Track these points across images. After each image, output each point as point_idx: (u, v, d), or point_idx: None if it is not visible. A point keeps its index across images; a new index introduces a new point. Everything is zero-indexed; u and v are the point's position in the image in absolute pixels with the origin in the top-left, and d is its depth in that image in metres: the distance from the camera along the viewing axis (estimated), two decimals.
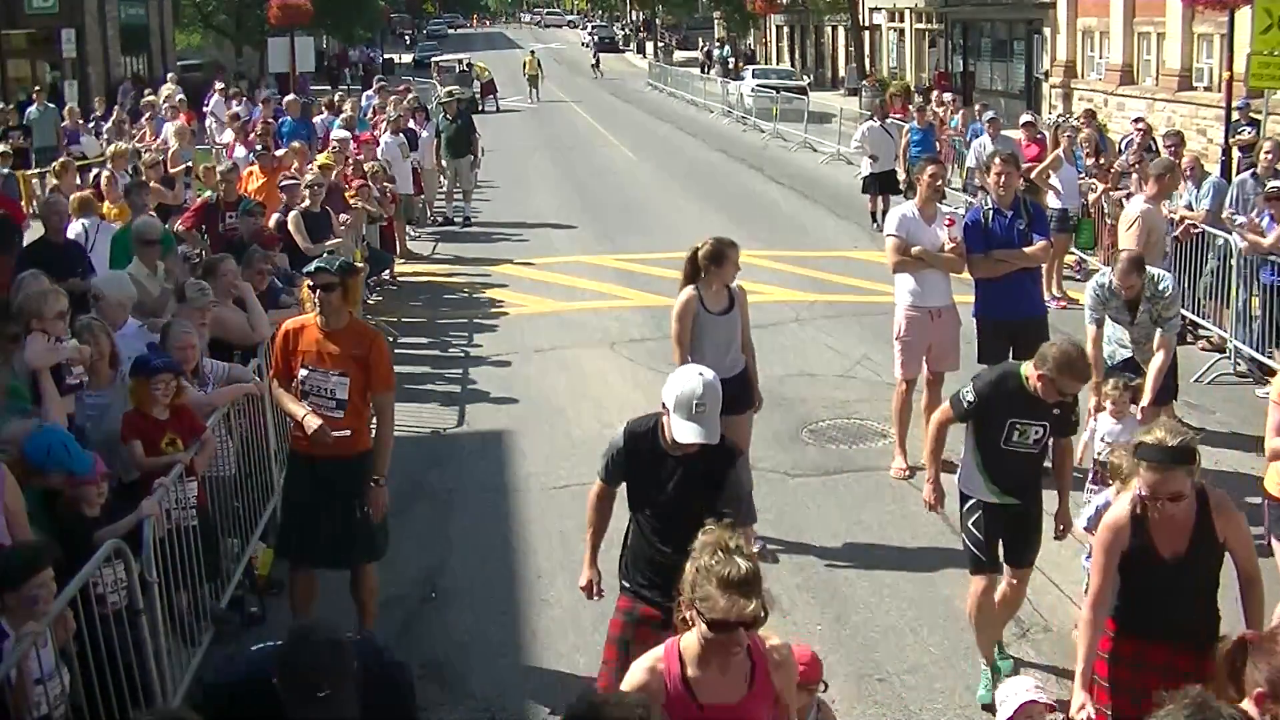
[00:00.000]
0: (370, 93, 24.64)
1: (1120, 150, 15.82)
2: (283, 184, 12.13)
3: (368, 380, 6.08)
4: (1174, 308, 7.95)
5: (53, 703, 4.43)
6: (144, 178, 12.25)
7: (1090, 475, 7.27)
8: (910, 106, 23.84)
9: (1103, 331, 7.99)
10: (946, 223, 8.49)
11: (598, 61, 62.31)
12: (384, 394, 6.18)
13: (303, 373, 6.10)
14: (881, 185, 18.12)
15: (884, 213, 17.43)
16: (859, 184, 19.02)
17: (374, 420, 6.29)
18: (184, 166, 14.59)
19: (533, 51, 54.90)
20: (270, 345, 8.06)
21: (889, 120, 18.96)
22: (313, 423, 6.04)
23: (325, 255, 7.43)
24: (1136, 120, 16.82)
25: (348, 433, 6.06)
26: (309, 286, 6.16)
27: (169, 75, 32.61)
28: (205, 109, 23.96)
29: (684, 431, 4.60)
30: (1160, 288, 7.78)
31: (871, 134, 18.42)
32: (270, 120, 17.96)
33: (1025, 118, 16.57)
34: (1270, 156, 11.27)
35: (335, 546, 6.22)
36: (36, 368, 5.90)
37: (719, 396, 4.64)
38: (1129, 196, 13.17)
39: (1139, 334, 7.95)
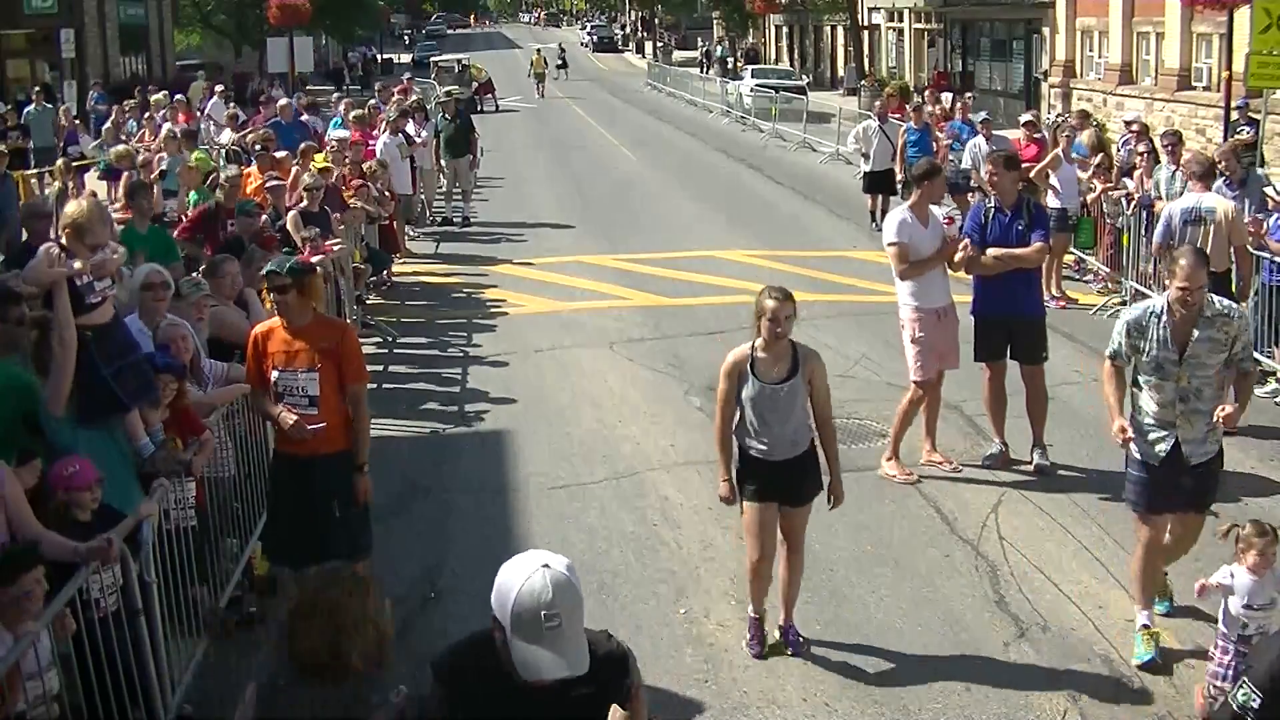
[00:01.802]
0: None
1: (1118, 149, 15.80)
2: (269, 186, 12.11)
3: (340, 373, 6.14)
4: (1247, 332, 6.16)
5: (31, 702, 4.42)
6: (142, 178, 12.23)
7: (1223, 644, 5.65)
8: (907, 106, 23.89)
9: (1122, 373, 6.20)
10: (945, 222, 8.48)
11: (564, 63, 58.99)
12: (356, 385, 6.23)
13: (274, 375, 6.17)
14: (876, 184, 18.16)
15: (883, 213, 17.48)
16: (858, 184, 19.08)
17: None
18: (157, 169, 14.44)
19: (539, 50, 55.71)
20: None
21: (888, 120, 18.94)
22: (288, 419, 6.10)
23: (278, 257, 7.38)
24: (1129, 123, 16.73)
25: (323, 425, 6.11)
26: (267, 289, 6.18)
27: (200, 73, 32.58)
28: (203, 110, 23.94)
29: (534, 663, 3.05)
30: (1221, 305, 6.02)
31: (866, 133, 18.49)
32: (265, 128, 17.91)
33: (1026, 116, 16.58)
34: (1225, 163, 11.18)
35: (321, 545, 6.23)
36: (39, 284, 5.40)
37: (578, 597, 3.11)
38: (1128, 197, 13.20)
39: (1193, 376, 5.93)
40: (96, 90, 27.68)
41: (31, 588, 4.42)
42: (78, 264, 5.51)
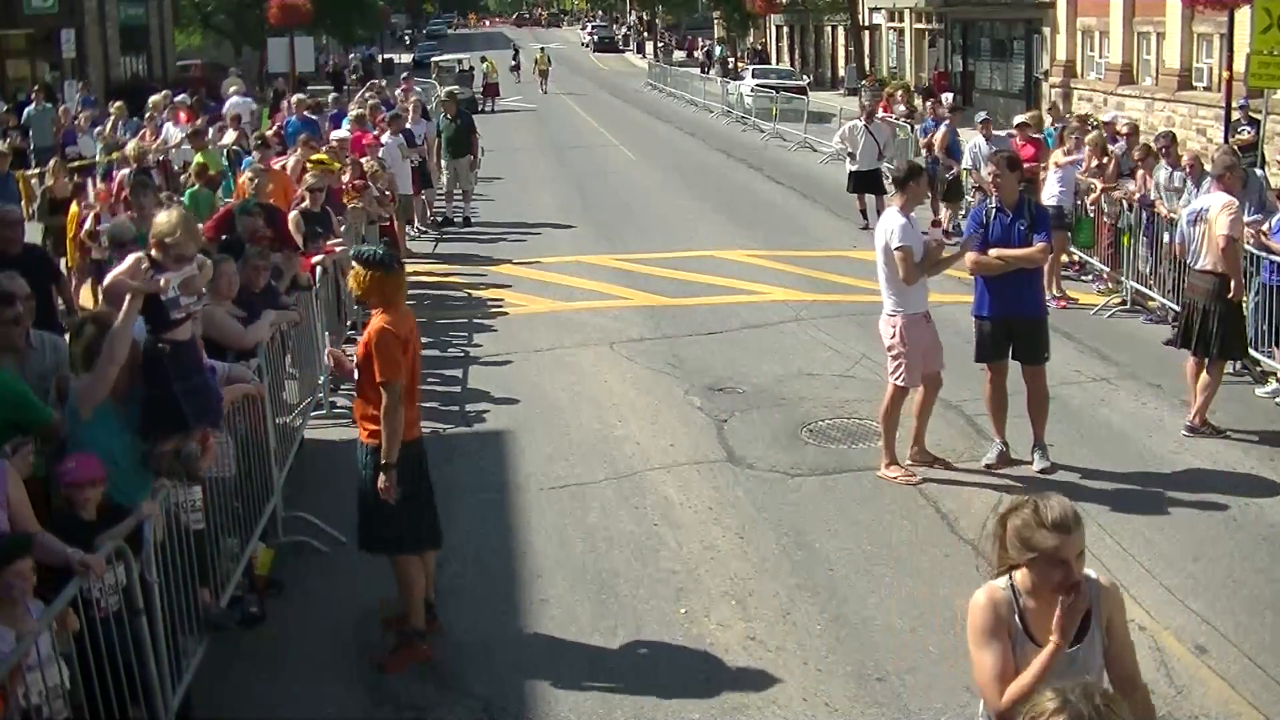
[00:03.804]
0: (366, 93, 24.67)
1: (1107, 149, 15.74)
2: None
3: (370, 370, 6.21)
4: None
5: (41, 695, 4.42)
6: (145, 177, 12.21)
7: None
8: (900, 106, 24.09)
9: None
10: (932, 223, 8.51)
11: (517, 64, 57.64)
12: (377, 381, 6.19)
13: None
14: (862, 184, 18.23)
15: (878, 212, 17.49)
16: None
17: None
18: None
19: (542, 48, 57.41)
20: (267, 347, 8.11)
21: (875, 120, 18.94)
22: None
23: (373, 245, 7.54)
24: (1108, 122, 16.57)
25: (359, 417, 6.31)
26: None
27: (233, 70, 32.34)
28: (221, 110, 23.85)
29: None
30: None
31: (851, 133, 18.53)
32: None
33: (1020, 118, 16.58)
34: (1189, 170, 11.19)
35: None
36: (120, 293, 5.36)
37: None
38: (1128, 198, 13.20)
39: None
40: (82, 93, 27.37)
41: (14, 580, 4.44)
42: (163, 279, 5.46)
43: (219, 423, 6.02)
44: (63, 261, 12.20)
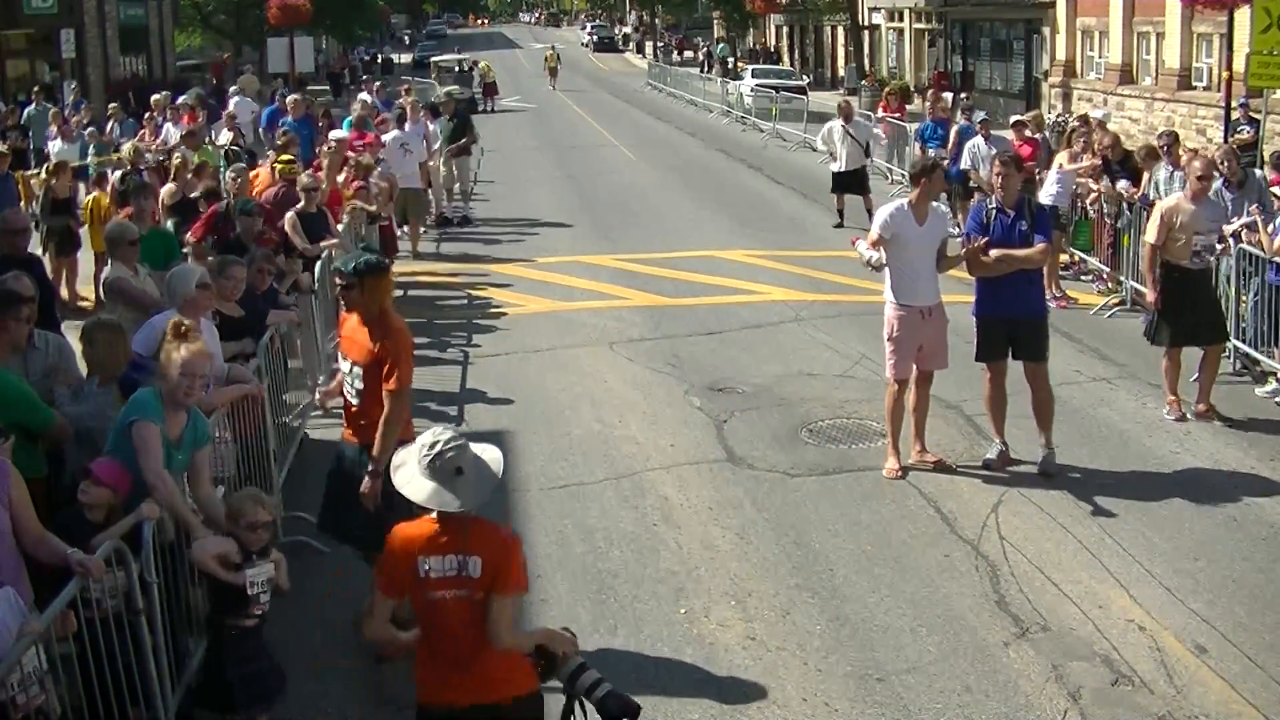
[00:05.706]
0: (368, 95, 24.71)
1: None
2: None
3: (381, 374, 6.25)
4: None
5: (26, 679, 4.42)
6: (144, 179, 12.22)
7: None
8: (907, 106, 24.10)
9: None
10: (853, 241, 8.56)
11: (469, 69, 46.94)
12: (388, 388, 6.26)
13: (339, 358, 6.53)
14: (844, 184, 18.31)
15: (867, 211, 17.52)
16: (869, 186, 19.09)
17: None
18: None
19: (553, 46, 60.31)
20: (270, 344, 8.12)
21: (854, 120, 19.00)
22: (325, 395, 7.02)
23: (352, 253, 7.51)
24: (1106, 125, 16.44)
25: (362, 422, 6.36)
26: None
27: (247, 68, 32.25)
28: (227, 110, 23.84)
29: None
30: None
31: (831, 134, 18.65)
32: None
33: (1016, 118, 16.59)
34: (1225, 164, 11.23)
35: (337, 526, 6.61)
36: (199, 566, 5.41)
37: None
38: (1128, 195, 13.21)
39: None
40: (75, 95, 27.21)
41: None
42: (248, 575, 5.38)
43: (274, 702, 5.83)
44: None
